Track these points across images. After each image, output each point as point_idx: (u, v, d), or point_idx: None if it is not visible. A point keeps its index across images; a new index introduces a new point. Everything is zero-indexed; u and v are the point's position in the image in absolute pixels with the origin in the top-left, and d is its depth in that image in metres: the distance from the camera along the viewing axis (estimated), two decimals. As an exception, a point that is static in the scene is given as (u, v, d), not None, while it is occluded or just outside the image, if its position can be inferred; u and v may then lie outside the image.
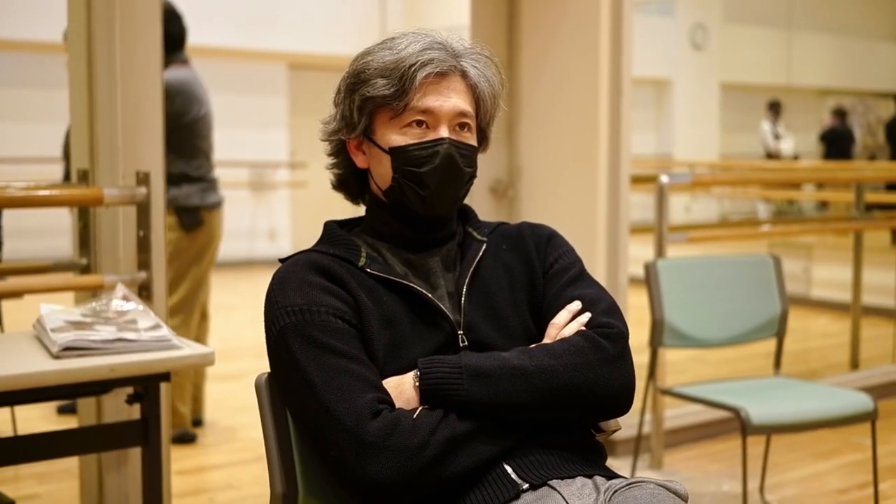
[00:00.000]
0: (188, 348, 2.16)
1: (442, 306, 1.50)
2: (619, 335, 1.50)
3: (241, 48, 9.43)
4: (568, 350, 1.46)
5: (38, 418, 3.68)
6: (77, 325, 2.17)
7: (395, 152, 1.50)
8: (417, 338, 1.47)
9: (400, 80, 1.47)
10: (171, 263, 3.95)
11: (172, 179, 3.91)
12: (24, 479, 3.49)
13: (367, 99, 1.50)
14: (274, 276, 1.51)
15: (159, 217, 2.69)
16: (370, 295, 1.48)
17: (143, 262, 2.69)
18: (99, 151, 2.72)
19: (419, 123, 1.50)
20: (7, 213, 3.93)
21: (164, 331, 2.18)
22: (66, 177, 4.49)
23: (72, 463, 3.20)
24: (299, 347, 1.40)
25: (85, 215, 2.79)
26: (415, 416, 1.38)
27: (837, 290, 6.68)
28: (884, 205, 6.70)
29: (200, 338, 4.15)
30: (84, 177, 2.76)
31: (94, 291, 2.66)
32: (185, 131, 3.98)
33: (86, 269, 2.80)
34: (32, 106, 9.11)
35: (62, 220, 4.98)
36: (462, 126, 1.52)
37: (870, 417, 2.84)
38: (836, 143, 10.99)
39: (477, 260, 1.57)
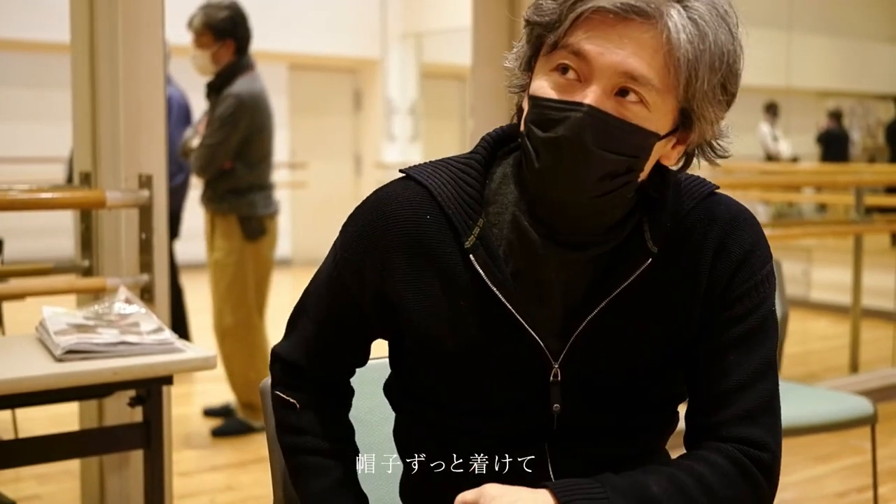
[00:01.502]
0: (190, 351, 2.16)
1: (536, 335, 1.18)
2: (774, 463, 1.20)
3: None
4: (719, 482, 1.14)
5: (42, 419, 3.68)
6: (80, 328, 2.17)
7: (531, 101, 1.13)
8: (495, 353, 1.19)
9: (561, 6, 1.10)
10: (235, 274, 3.99)
11: (239, 190, 3.99)
12: (24, 479, 3.50)
13: (528, 23, 1.15)
14: (376, 193, 1.26)
15: (161, 220, 2.70)
16: (450, 286, 1.19)
17: (146, 265, 2.70)
18: (101, 154, 2.73)
19: (565, 70, 1.10)
20: (8, 213, 3.96)
21: (167, 334, 2.19)
22: (69, 180, 4.53)
23: (73, 464, 3.20)
24: (320, 276, 1.31)
25: (87, 217, 2.80)
26: (299, 411, 1.32)
27: (837, 292, 6.69)
28: (884, 208, 6.71)
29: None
30: (86, 179, 2.77)
31: (97, 294, 2.67)
32: (258, 142, 4.06)
33: (88, 271, 2.81)
34: (32, 106, 9.11)
35: (63, 220, 4.99)
36: (624, 92, 1.09)
37: (869, 421, 2.84)
38: (833, 144, 11.04)
39: (626, 283, 1.17)
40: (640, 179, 1.14)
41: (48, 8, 7.46)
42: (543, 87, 1.12)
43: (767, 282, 1.22)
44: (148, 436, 2.21)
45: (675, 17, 1.07)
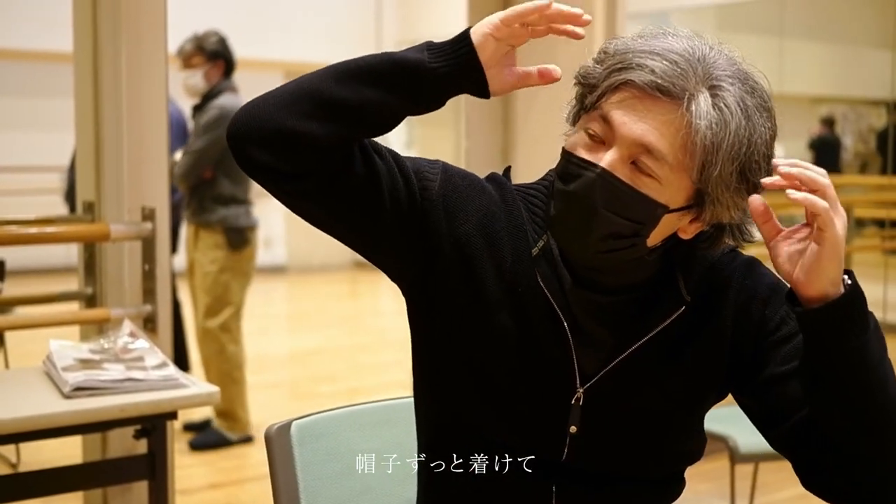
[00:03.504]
0: (194, 387, 2.22)
1: (574, 351, 1.23)
2: None
3: (236, 57, 9.47)
4: None
5: (46, 446, 3.72)
6: (86, 363, 2.24)
7: (562, 153, 1.23)
8: (528, 348, 1.24)
9: (601, 74, 1.19)
10: (217, 282, 4.22)
11: (222, 200, 4.22)
12: (26, 501, 3.54)
13: (576, 83, 1.25)
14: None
15: (164, 251, 2.75)
16: (513, 274, 1.25)
17: (149, 294, 2.75)
18: (105, 185, 2.78)
19: (593, 133, 1.19)
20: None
21: (171, 369, 2.25)
22: (69, 193, 4.63)
23: (75, 486, 3.25)
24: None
25: (90, 246, 2.85)
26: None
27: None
28: (875, 220, 6.76)
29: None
30: (89, 208, 2.82)
31: (101, 324, 2.72)
32: None
33: (91, 299, 2.86)
34: (30, 115, 9.14)
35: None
36: (639, 165, 1.16)
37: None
38: (825, 151, 11.13)
39: (658, 329, 1.24)
40: (649, 245, 1.19)
41: (49, 17, 7.51)
42: (574, 142, 1.21)
43: None
44: (153, 467, 2.27)
45: (701, 103, 1.12)
